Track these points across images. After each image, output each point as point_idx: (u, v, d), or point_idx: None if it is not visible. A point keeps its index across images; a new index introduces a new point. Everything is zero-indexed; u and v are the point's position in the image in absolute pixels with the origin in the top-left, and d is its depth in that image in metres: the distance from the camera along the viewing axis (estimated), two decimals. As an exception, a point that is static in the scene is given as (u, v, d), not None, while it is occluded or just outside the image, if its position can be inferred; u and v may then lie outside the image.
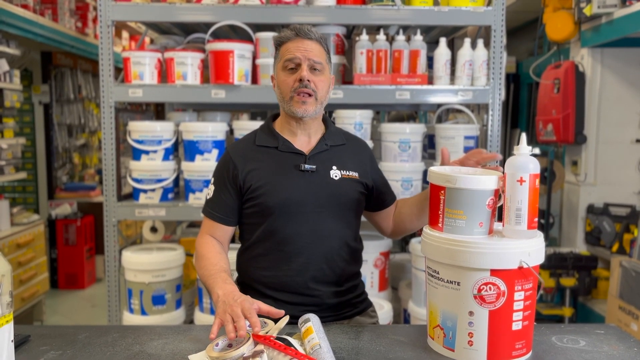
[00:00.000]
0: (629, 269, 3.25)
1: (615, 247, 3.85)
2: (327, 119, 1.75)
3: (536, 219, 1.29)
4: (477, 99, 2.67)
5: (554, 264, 3.77)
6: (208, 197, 1.69)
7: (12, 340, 1.16)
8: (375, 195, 1.75)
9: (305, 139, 1.67)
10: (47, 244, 4.95)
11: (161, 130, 2.70)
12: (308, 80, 1.57)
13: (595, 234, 4.02)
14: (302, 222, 1.60)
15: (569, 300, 3.87)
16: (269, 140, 1.67)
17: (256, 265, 1.65)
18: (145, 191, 2.70)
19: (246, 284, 1.69)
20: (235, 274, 1.75)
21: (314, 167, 1.62)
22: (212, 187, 1.69)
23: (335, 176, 1.64)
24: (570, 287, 3.82)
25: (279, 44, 1.64)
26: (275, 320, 1.41)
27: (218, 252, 1.61)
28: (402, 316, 2.96)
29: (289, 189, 1.60)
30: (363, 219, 1.81)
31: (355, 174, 1.67)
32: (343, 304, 1.67)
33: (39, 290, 4.18)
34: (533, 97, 5.15)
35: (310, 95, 1.58)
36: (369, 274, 2.77)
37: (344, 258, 1.65)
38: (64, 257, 5.07)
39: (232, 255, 1.73)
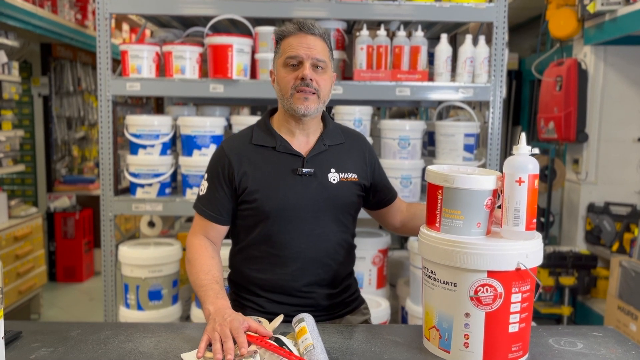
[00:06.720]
0: (628, 269, 3.24)
1: (615, 247, 3.84)
2: (326, 115, 1.68)
3: (535, 220, 1.27)
4: (478, 96, 2.65)
5: (554, 262, 3.76)
6: (201, 193, 1.62)
7: (2, 337, 1.15)
8: (374, 193, 1.70)
9: (303, 139, 1.61)
10: (46, 237, 4.94)
11: (159, 124, 2.68)
12: (310, 79, 1.51)
13: (596, 233, 4.00)
14: (298, 227, 1.55)
15: (568, 299, 3.86)
16: (267, 139, 1.60)
17: (251, 267, 1.61)
18: (142, 186, 2.68)
19: (239, 284, 1.66)
20: (228, 271, 1.72)
21: (312, 170, 1.56)
22: (205, 184, 1.62)
23: (334, 180, 1.59)
24: (569, 286, 3.80)
25: (280, 37, 1.56)
26: (270, 320, 1.40)
27: (210, 257, 1.55)
28: (399, 314, 2.95)
29: (286, 193, 1.54)
30: (366, 216, 1.79)
31: (354, 176, 1.62)
32: (337, 305, 1.65)
33: (36, 283, 4.17)
34: (535, 94, 5.12)
35: (313, 93, 1.52)
36: (367, 271, 2.76)
37: (339, 260, 1.62)
38: (63, 250, 5.07)
39: (224, 252, 1.70)
